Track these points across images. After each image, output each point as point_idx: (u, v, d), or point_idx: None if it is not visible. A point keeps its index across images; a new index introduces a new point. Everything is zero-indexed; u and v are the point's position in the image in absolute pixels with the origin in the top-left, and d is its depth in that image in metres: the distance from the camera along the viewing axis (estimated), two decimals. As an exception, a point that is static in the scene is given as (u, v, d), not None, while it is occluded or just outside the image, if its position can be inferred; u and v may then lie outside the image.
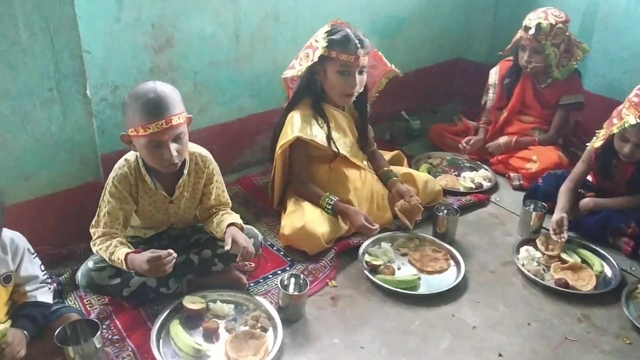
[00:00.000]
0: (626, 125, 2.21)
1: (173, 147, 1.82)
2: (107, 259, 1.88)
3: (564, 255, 2.40)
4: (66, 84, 2.06)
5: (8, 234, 1.69)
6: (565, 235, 2.37)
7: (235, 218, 2.07)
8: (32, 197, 2.15)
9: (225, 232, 1.97)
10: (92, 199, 2.07)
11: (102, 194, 1.97)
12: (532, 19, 2.91)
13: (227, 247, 1.91)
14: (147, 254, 1.78)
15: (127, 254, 1.83)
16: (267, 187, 2.70)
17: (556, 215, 2.42)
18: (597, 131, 2.46)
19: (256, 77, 2.90)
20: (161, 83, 1.84)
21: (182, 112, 1.84)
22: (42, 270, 1.79)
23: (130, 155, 1.97)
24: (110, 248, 1.87)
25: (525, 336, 2.01)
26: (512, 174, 3.04)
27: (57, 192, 2.21)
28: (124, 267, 1.83)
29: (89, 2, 2.18)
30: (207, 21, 2.59)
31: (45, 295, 1.76)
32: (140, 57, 2.44)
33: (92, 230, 1.95)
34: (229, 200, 2.18)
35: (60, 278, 2.11)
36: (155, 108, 1.76)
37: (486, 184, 2.98)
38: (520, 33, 3.01)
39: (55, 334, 1.62)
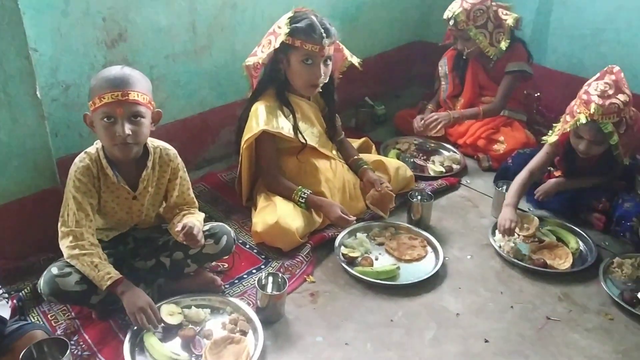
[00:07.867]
0: (578, 123, 2.21)
1: (127, 126, 1.72)
2: (86, 267, 1.75)
3: (539, 234, 2.40)
4: (13, 85, 1.91)
5: None
6: (515, 235, 2.33)
7: (198, 217, 1.97)
8: (-17, 208, 2.00)
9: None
10: (50, 207, 1.96)
11: (65, 192, 1.85)
12: (449, 10, 2.94)
13: (178, 229, 1.84)
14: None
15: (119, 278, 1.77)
16: (234, 183, 2.60)
17: (505, 214, 2.33)
18: (553, 125, 2.44)
19: (216, 69, 2.78)
20: (132, 69, 1.80)
21: (144, 93, 1.76)
22: (-1, 285, 1.66)
23: (91, 148, 1.87)
24: (93, 258, 1.77)
25: (510, 320, 1.99)
26: (480, 155, 3.01)
27: (11, 201, 2.06)
28: (105, 285, 1.74)
29: (32, -5, 2.03)
30: (161, 12, 2.45)
31: (1, 310, 1.63)
32: (91, 54, 2.29)
33: (60, 231, 1.83)
34: (195, 200, 2.07)
35: (20, 294, 1.96)
36: (115, 79, 1.72)
37: (456, 167, 2.95)
38: None
39: (21, 355, 1.50)
